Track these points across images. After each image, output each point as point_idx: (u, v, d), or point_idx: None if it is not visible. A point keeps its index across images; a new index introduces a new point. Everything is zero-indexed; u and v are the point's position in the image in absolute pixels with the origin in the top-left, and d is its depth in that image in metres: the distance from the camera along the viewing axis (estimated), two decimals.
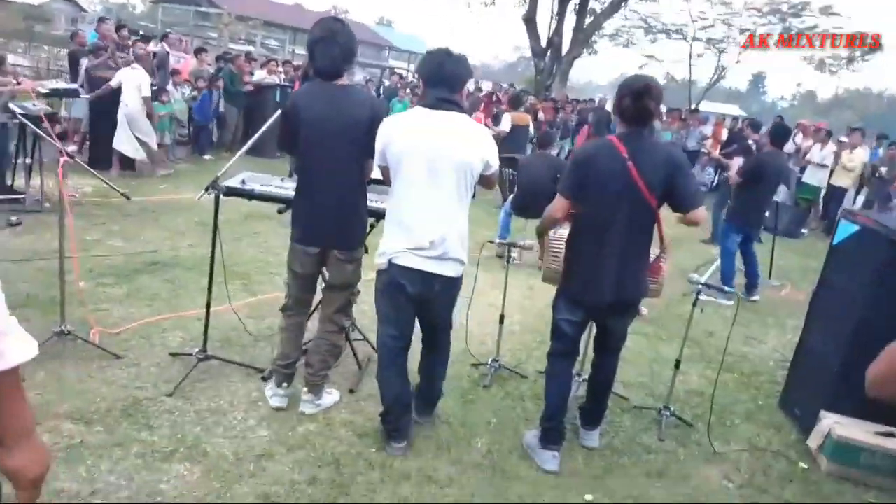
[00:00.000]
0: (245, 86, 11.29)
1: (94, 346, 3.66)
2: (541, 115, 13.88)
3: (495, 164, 2.81)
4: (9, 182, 6.66)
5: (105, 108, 8.53)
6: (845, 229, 3.77)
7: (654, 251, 3.06)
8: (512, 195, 7.06)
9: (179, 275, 5.16)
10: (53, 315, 3.89)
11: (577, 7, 18.57)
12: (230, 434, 3.06)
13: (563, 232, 3.15)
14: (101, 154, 8.58)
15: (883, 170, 10.63)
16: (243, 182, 3.55)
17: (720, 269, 6.51)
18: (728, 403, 4.13)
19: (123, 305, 4.42)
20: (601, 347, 3.21)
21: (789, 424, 3.93)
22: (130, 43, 10.07)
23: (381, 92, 14.45)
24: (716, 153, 11.41)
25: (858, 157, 11.08)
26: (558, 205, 2.92)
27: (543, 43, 18.55)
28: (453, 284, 2.91)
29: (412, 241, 2.72)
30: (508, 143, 9.46)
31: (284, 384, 3.29)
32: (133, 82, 8.40)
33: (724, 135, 13.59)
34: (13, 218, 5.96)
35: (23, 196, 6.44)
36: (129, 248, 5.68)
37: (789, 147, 12.25)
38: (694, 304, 3.50)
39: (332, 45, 2.86)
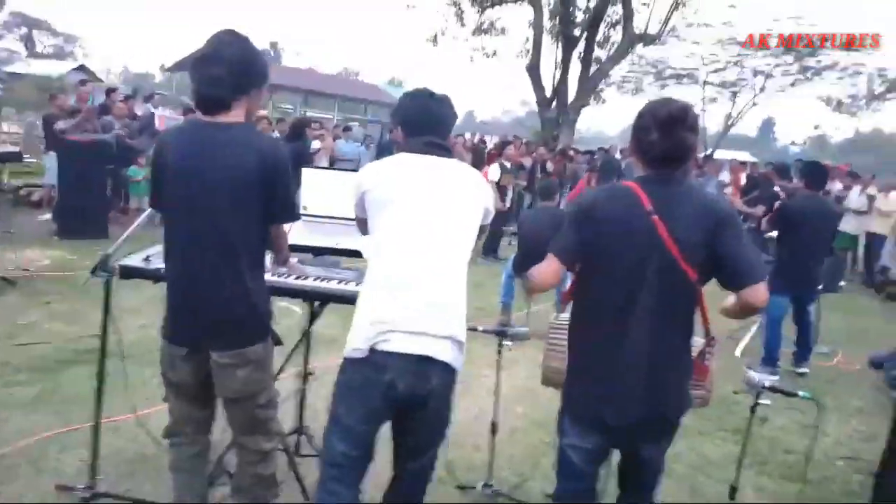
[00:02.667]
0: None
1: None
2: (549, 165, 13.20)
3: (493, 211, 2.28)
4: None
5: (74, 175, 7.91)
6: None
7: (697, 342, 2.15)
8: (513, 255, 6.23)
9: (116, 366, 4.29)
10: None
11: (582, 56, 18.10)
12: None
13: (566, 315, 2.26)
14: (70, 222, 7.92)
15: None
16: (147, 259, 2.72)
17: (764, 341, 5.56)
18: None
19: (25, 413, 3.55)
20: (628, 484, 2.27)
21: None
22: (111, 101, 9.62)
23: (381, 147, 13.87)
24: (738, 201, 10.53)
25: (895, 200, 10.18)
26: (546, 268, 2.06)
27: (548, 93, 18.02)
28: (452, 378, 2.08)
29: (405, 313, 1.97)
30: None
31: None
32: None
33: (743, 180, 12.73)
34: None
35: None
36: (68, 332, 4.86)
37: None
38: (753, 411, 2.56)
39: (216, 63, 2.04)
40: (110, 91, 10.90)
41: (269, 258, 2.52)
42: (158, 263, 2.73)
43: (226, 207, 2.03)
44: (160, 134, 2.69)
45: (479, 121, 73.15)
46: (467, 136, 17.76)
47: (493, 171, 9.19)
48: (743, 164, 13.82)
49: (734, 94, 21.28)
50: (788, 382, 5.32)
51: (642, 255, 1.93)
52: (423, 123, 2.18)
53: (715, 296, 2.04)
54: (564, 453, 2.18)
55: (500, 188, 8.95)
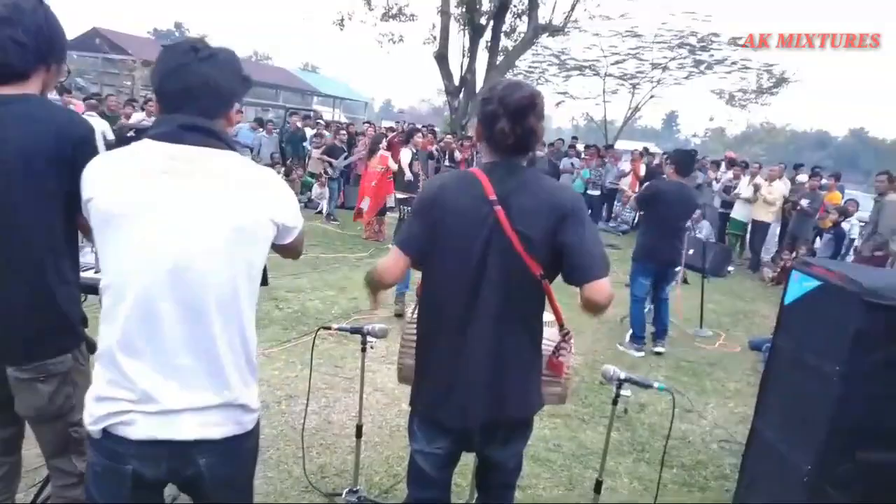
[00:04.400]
0: (128, 131, 9.94)
1: None
2: (457, 154, 13.16)
3: (296, 222, 1.62)
4: None
5: None
6: (800, 284, 2.90)
7: (550, 337, 2.05)
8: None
9: None
10: None
11: (489, 44, 18.17)
12: None
13: None
14: None
15: (804, 202, 10.25)
16: None
17: (630, 319, 5.80)
18: None
19: None
20: (484, 488, 2.16)
21: None
22: None
23: (283, 137, 13.32)
24: (633, 190, 10.86)
25: (778, 189, 10.78)
26: (390, 260, 1.91)
27: (457, 81, 17.99)
28: (236, 447, 1.57)
29: (146, 383, 1.44)
30: (398, 182, 9.06)
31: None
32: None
33: (643, 171, 13.16)
34: None
35: None
36: None
37: (701, 179, 11.95)
38: (614, 402, 2.51)
39: (10, 26, 1.72)
40: None
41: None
42: None
43: (16, 195, 1.73)
44: None
45: (397, 109, 72.67)
46: (385, 124, 17.47)
47: (405, 154, 9.03)
48: (642, 154, 14.25)
49: (634, 86, 21.97)
50: (668, 364, 5.48)
51: (485, 246, 1.80)
52: (177, 93, 1.50)
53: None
54: (414, 459, 2.05)
55: (413, 174, 8.95)
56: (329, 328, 2.82)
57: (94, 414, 1.46)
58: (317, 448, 3.47)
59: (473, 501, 2.71)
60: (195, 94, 1.48)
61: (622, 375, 2.35)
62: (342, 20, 19.35)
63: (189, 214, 1.43)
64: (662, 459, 2.99)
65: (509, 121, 1.81)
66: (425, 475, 2.02)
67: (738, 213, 11.37)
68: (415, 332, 2.10)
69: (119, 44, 24.44)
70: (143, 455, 1.46)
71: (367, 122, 16.27)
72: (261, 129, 12.94)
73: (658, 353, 5.73)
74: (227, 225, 1.44)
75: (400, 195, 8.75)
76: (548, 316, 1.98)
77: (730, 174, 11.93)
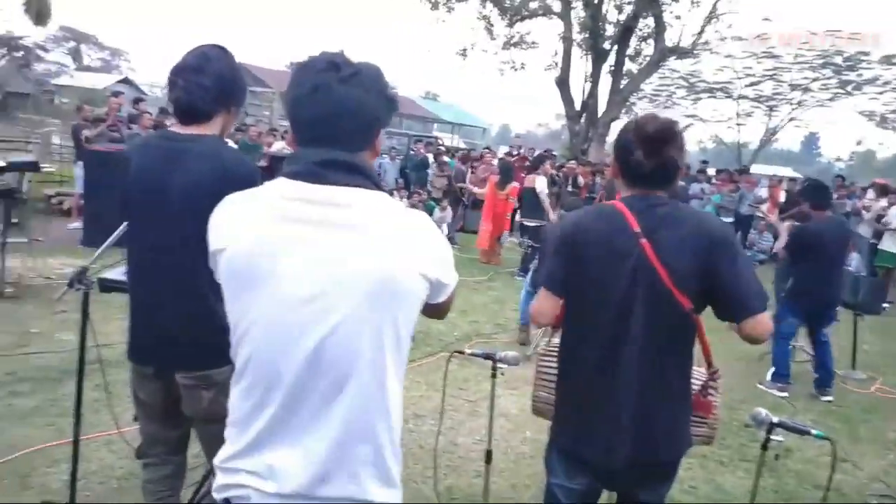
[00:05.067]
0: (260, 160, 10.74)
1: None
2: (580, 179, 12.97)
3: (451, 277, 1.36)
4: None
5: (100, 184, 8.00)
6: None
7: (698, 375, 1.97)
8: (532, 269, 6.08)
9: (118, 379, 4.27)
10: None
11: (612, 69, 17.86)
12: None
13: (557, 341, 2.10)
14: (94, 231, 8.00)
15: None
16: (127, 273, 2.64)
17: (773, 357, 5.38)
18: None
19: (22, 425, 3.52)
20: None
21: None
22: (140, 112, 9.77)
23: (407, 163, 13.78)
24: (773, 217, 10.16)
25: None
26: (543, 304, 1.91)
27: (578, 106, 17.82)
28: None
29: (276, 461, 1.23)
30: (524, 208, 8.95)
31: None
32: None
33: (783, 196, 12.31)
34: None
35: None
36: (76, 341, 4.84)
37: (849, 206, 10.98)
38: (764, 447, 2.35)
39: (200, 73, 1.95)
40: (137, 101, 11.09)
41: None
42: None
43: (184, 221, 1.92)
44: (127, 147, 2.57)
45: (513, 134, 73.29)
46: (503, 149, 17.64)
47: (541, 182, 8.83)
48: (781, 180, 13.35)
49: (771, 108, 20.70)
50: (817, 408, 5.03)
51: (630, 281, 1.76)
52: (314, 120, 1.26)
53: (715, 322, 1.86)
54: (552, 493, 2.01)
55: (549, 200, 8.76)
56: (462, 353, 2.85)
57: (217, 482, 1.31)
58: (443, 469, 3.51)
59: None
60: (335, 121, 1.23)
61: (775, 419, 2.19)
62: (465, 51, 19.82)
63: (330, 272, 1.18)
64: None
65: (645, 152, 1.78)
66: None
67: (888, 244, 10.34)
68: (552, 364, 2.09)
69: (259, 76, 26.40)
70: None
71: (488, 148, 16.47)
72: (384, 156, 13.47)
73: (829, 402, 5.28)
74: (372, 283, 1.19)
75: (527, 222, 8.76)
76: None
77: (883, 202, 10.89)
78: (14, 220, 6.41)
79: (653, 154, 1.76)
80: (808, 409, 5.04)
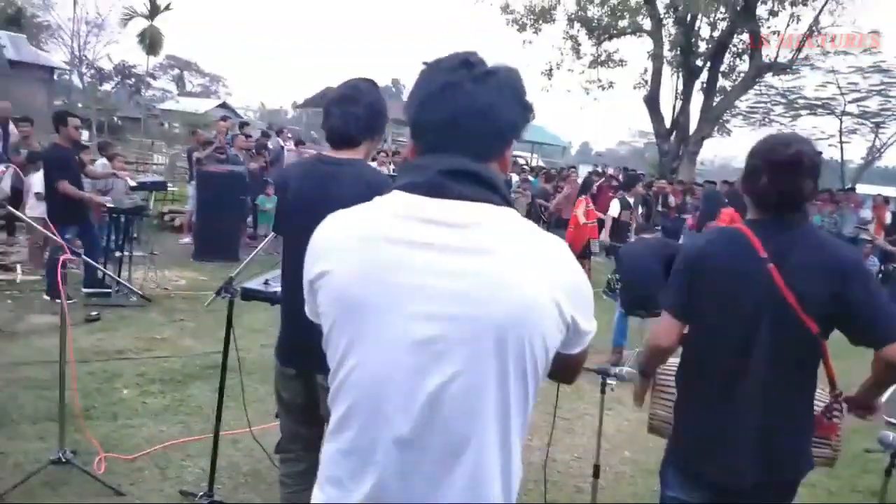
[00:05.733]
0: None
1: (96, 479, 3.07)
2: (671, 199, 12.72)
3: (590, 326, 1.12)
4: (99, 275, 6.61)
5: (210, 202, 8.61)
6: None
7: (821, 397, 1.98)
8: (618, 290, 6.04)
9: (237, 383, 4.60)
10: (76, 433, 3.41)
11: (705, 86, 17.45)
12: None
13: (675, 360, 2.15)
14: (205, 246, 8.60)
15: None
16: (266, 283, 2.91)
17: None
18: None
19: (157, 421, 3.86)
20: None
21: None
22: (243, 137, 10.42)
23: None
24: (881, 240, 9.62)
25: None
26: (665, 327, 1.97)
27: (668, 124, 17.49)
28: None
29: None
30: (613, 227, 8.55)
31: None
32: None
33: (889, 218, 11.61)
34: (92, 312, 5.78)
35: (109, 290, 6.33)
36: (196, 347, 5.26)
37: None
38: (888, 473, 2.30)
39: (353, 103, 2.17)
40: (243, 125, 11.85)
41: None
42: (276, 287, 2.92)
43: None
44: (284, 167, 2.86)
45: (594, 153, 72.20)
46: (586, 168, 17.55)
47: (614, 206, 8.49)
48: (887, 199, 12.59)
49: (877, 125, 19.57)
50: None
51: (757, 305, 1.80)
52: (440, 124, 1.08)
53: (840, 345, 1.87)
54: None
55: (620, 224, 8.31)
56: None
57: None
58: (544, 486, 3.57)
59: None
60: (465, 125, 1.06)
61: None
62: (550, 70, 19.90)
63: (449, 308, 0.99)
64: None
65: (771, 179, 1.81)
66: None
67: None
68: (670, 383, 2.14)
69: None
70: None
71: (573, 167, 16.43)
72: None
73: None
74: (501, 320, 0.99)
75: (612, 242, 8.67)
76: None
77: None
78: (134, 235, 7.02)
79: (780, 182, 1.80)
80: None
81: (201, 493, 2.93)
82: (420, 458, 1.01)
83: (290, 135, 13.43)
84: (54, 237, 3.29)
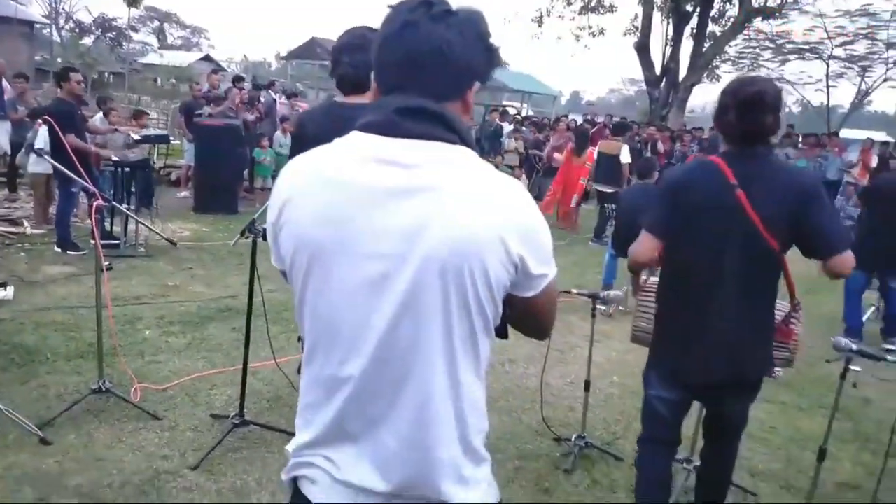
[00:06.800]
0: None
1: (133, 406, 3.38)
2: (660, 145, 12.93)
3: (544, 267, 1.10)
4: (107, 228, 6.81)
5: (208, 154, 8.75)
6: None
7: (781, 307, 2.28)
8: (611, 234, 6.34)
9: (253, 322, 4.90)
10: (107, 368, 3.69)
11: (694, 32, 17.44)
12: None
13: (656, 279, 2.45)
14: (205, 199, 8.78)
15: None
16: None
17: (844, 313, 5.57)
18: None
19: (181, 357, 4.16)
20: (712, 435, 2.44)
21: None
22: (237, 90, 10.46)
23: (482, 132, 14.09)
24: (864, 181, 9.93)
25: None
26: (644, 245, 2.24)
27: (658, 71, 17.53)
28: None
29: (345, 462, 1.11)
30: (599, 174, 9.00)
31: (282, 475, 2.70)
32: None
33: (874, 161, 11.87)
34: (105, 263, 6.00)
35: (118, 241, 6.55)
36: (207, 293, 5.53)
37: None
38: (843, 377, 2.63)
39: (362, 51, 2.35)
40: (238, 79, 11.85)
41: None
42: None
43: None
44: (301, 112, 3.06)
45: (584, 101, 71.67)
46: (572, 117, 17.65)
47: (625, 153, 8.82)
48: (873, 143, 12.84)
49: (864, 69, 19.68)
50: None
51: (726, 225, 2.08)
52: (397, 63, 1.10)
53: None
54: (650, 402, 2.39)
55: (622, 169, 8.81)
56: (569, 292, 3.21)
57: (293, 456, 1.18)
58: (539, 403, 3.93)
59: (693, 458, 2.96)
60: (422, 64, 1.06)
61: (854, 347, 2.47)
62: (541, 17, 19.77)
63: (395, 246, 1.01)
64: (889, 447, 2.99)
65: (738, 115, 2.07)
66: (659, 416, 2.36)
67: None
68: (651, 299, 2.44)
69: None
70: None
71: (565, 116, 16.54)
72: None
73: (890, 350, 5.41)
74: (444, 255, 1.00)
75: (603, 188, 8.93)
76: None
77: None
78: (132, 190, 7.19)
79: (745, 117, 2.05)
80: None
81: (233, 414, 3.24)
82: (373, 391, 1.06)
83: (280, 88, 13.41)
84: (86, 183, 3.49)
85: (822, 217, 2.03)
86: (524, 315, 1.16)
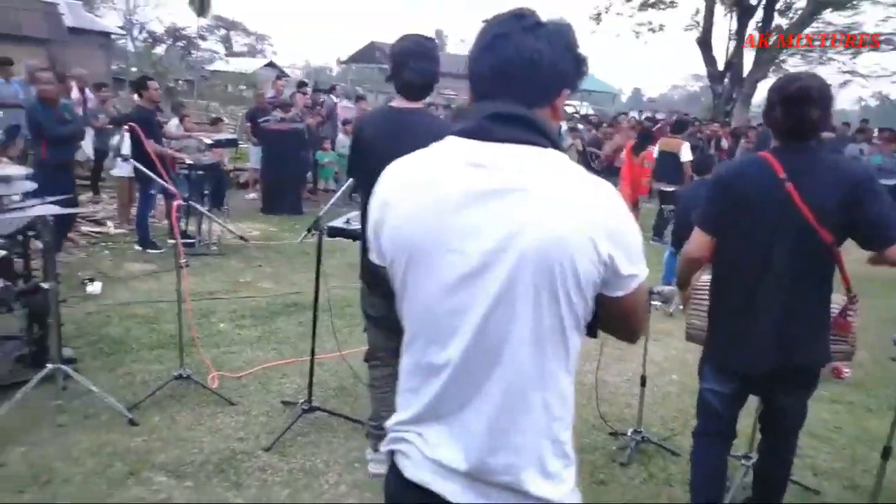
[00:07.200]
0: None
1: (211, 392, 3.63)
2: (724, 142, 12.63)
3: (633, 269, 1.12)
4: (182, 227, 7.20)
5: (275, 157, 9.12)
6: None
7: (838, 301, 2.29)
8: (672, 232, 6.29)
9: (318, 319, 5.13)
10: (186, 357, 3.96)
11: (760, 25, 16.89)
12: (317, 500, 2.77)
13: (708, 277, 2.48)
14: (271, 200, 9.16)
15: None
16: (348, 222, 3.35)
17: None
18: None
19: (253, 348, 4.41)
20: (768, 429, 2.46)
21: None
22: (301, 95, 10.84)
23: None
24: None
25: None
26: (696, 242, 2.29)
27: (721, 66, 17.08)
28: None
29: (435, 441, 1.17)
30: (660, 172, 8.79)
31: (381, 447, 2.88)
32: None
33: None
34: (182, 261, 6.37)
35: (194, 241, 6.93)
36: (275, 289, 5.81)
37: None
38: None
39: (426, 59, 2.50)
40: (302, 84, 12.27)
41: None
42: (356, 225, 3.35)
43: None
44: (360, 115, 3.24)
45: (646, 98, 70.17)
46: (633, 114, 17.39)
47: (686, 151, 8.59)
48: None
49: None
50: None
51: (777, 219, 2.10)
52: (489, 73, 1.16)
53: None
54: (704, 396, 2.43)
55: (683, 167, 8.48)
56: None
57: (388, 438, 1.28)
58: (596, 400, 3.98)
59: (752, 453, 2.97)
60: (513, 73, 1.13)
61: None
62: (598, 15, 19.54)
63: (489, 242, 1.07)
64: None
65: (782, 109, 2.10)
66: (713, 409, 2.40)
67: None
68: (703, 296, 2.48)
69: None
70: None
71: (624, 114, 16.33)
72: None
73: None
74: (532, 254, 1.05)
75: (663, 187, 8.81)
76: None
77: None
78: (205, 192, 7.59)
79: (790, 113, 2.08)
80: None
81: (302, 401, 3.44)
82: (467, 377, 1.12)
83: (340, 92, 13.78)
84: (168, 185, 3.77)
85: (876, 207, 2.04)
86: (614, 316, 1.18)
